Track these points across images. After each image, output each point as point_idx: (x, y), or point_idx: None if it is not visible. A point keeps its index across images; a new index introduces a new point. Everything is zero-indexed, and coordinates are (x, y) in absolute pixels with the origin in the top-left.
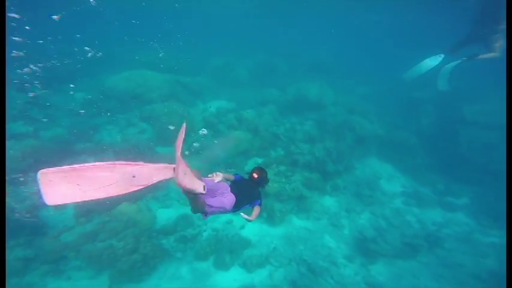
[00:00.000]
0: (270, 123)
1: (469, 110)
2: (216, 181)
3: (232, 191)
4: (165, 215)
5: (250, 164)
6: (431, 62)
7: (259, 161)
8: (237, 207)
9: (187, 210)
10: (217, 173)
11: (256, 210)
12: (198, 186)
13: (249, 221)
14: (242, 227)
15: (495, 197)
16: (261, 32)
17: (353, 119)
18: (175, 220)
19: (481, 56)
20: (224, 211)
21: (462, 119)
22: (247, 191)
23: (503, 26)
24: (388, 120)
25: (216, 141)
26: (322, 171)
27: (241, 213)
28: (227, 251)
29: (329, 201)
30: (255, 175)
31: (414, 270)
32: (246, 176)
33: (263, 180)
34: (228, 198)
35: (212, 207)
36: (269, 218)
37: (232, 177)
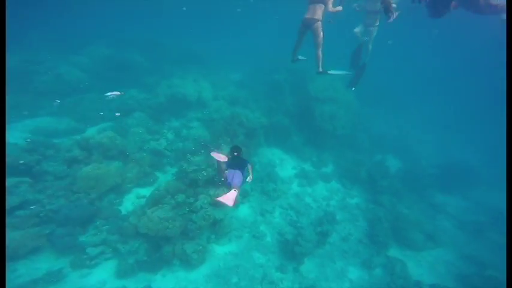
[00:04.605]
0: (144, 137)
1: (312, 88)
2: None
3: (235, 169)
4: None
5: (127, 200)
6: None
7: (144, 192)
8: (243, 175)
9: None
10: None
11: (250, 169)
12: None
13: (251, 180)
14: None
15: (344, 159)
16: (92, 20)
17: (237, 111)
18: None
19: None
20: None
21: (310, 96)
22: (240, 163)
23: None
24: (264, 105)
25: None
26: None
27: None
28: None
29: (243, 211)
30: (236, 153)
31: (329, 254)
32: (230, 156)
33: (241, 152)
34: (238, 174)
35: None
36: (184, 264)
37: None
